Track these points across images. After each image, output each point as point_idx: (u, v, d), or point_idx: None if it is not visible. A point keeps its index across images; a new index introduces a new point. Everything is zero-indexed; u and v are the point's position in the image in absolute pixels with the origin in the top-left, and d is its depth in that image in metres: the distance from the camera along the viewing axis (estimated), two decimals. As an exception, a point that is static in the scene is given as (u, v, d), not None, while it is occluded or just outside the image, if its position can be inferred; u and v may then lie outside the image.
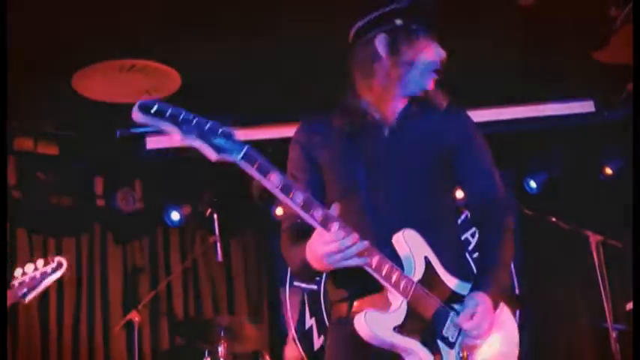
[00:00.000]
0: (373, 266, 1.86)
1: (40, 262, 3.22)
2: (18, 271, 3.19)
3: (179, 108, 1.72)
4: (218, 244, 5.11)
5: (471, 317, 1.93)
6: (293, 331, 5.80)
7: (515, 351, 2.09)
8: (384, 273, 1.88)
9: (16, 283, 3.17)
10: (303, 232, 1.99)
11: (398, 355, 1.94)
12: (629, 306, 5.00)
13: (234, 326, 4.98)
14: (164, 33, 4.15)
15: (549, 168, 5.96)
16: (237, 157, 1.74)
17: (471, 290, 2.00)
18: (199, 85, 4.77)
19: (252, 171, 1.76)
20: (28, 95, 4.65)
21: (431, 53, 2.11)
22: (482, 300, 1.95)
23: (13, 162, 5.25)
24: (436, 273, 2.00)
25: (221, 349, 4.66)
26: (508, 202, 2.23)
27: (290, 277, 5.89)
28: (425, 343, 1.92)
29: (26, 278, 3.18)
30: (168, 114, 1.69)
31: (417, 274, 1.95)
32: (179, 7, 3.90)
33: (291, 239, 2.09)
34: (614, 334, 4.60)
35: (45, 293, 4.61)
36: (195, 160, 5.90)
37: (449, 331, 1.96)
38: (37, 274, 3.19)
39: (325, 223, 1.80)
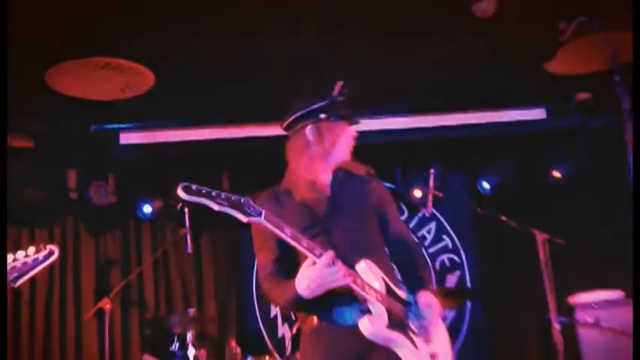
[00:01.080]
0: (358, 284, 2.38)
1: (32, 249, 3.07)
2: (9, 257, 3.06)
3: (210, 188, 2.23)
4: (188, 237, 5.08)
5: (427, 311, 2.54)
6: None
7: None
8: (365, 289, 2.40)
9: (8, 267, 3.07)
10: (283, 274, 2.51)
11: (363, 351, 2.44)
12: (572, 300, 5.15)
13: (201, 319, 5.09)
14: (138, 32, 4.09)
15: (502, 170, 6.01)
16: (260, 219, 2.26)
17: (419, 291, 2.59)
18: (172, 84, 4.73)
19: (271, 227, 2.30)
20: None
21: (347, 134, 2.71)
22: (432, 297, 2.58)
23: None
24: (391, 288, 2.52)
25: (190, 335, 4.69)
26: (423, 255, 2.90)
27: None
28: (405, 335, 2.46)
29: (18, 264, 3.04)
30: (204, 191, 2.20)
31: (382, 289, 2.46)
32: (155, 6, 3.84)
33: (275, 281, 2.55)
34: (557, 326, 4.57)
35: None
36: (167, 156, 5.87)
37: (414, 325, 2.51)
38: (29, 260, 3.05)
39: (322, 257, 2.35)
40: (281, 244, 2.42)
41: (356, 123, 2.74)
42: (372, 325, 2.35)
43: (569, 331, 4.91)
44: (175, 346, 4.79)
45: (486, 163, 6.04)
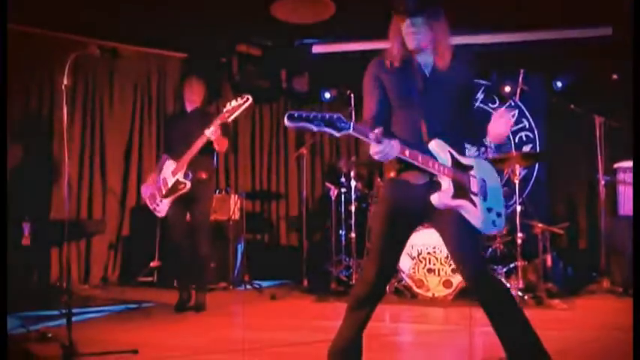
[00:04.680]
0: (419, 160, 1.89)
1: (239, 98, 3.37)
2: (227, 105, 3.40)
3: (308, 112, 1.75)
4: (352, 112, 4.91)
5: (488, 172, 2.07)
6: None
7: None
8: (430, 165, 1.91)
9: (224, 110, 3.38)
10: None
11: (423, 197, 1.95)
12: (615, 165, 4.81)
13: (358, 163, 5.07)
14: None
15: (572, 72, 5.53)
16: (350, 130, 1.75)
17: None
18: (345, 14, 4.71)
19: (357, 134, 1.77)
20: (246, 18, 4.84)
21: (398, 25, 2.02)
22: (487, 164, 2.10)
23: (236, 60, 5.43)
24: (456, 158, 1.99)
25: (352, 173, 4.72)
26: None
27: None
28: (467, 200, 1.97)
29: (230, 108, 3.37)
30: (304, 116, 1.73)
31: (449, 162, 1.97)
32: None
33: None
34: (602, 182, 4.56)
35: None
36: (341, 60, 6.00)
37: (474, 186, 2.01)
38: (236, 105, 3.36)
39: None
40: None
41: (404, 17, 1.98)
42: (440, 199, 1.92)
43: (610, 187, 4.72)
44: (343, 178, 4.91)
45: (562, 67, 5.51)
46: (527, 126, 5.86)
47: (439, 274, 4.09)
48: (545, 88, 5.68)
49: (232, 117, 3.41)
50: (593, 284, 4.41)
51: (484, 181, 2.06)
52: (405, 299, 4.16)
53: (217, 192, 5.19)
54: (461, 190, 1.97)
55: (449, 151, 1.98)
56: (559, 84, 5.64)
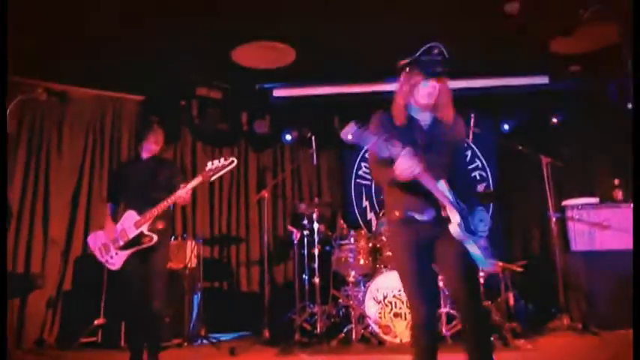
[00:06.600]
0: (431, 186, 2.02)
1: (222, 159, 3.17)
2: (209, 164, 3.17)
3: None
4: (314, 154, 4.91)
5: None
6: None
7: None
8: (441, 197, 2.04)
9: (207, 169, 3.15)
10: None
11: (430, 233, 2.09)
12: (564, 202, 4.89)
13: (321, 205, 4.92)
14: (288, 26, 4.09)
15: (517, 117, 5.67)
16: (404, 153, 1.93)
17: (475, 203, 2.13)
18: (305, 59, 4.66)
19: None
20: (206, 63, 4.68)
21: (418, 86, 2.14)
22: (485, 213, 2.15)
23: (196, 103, 5.20)
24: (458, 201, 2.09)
25: (314, 215, 4.50)
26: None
27: (354, 176, 5.92)
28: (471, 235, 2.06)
29: (213, 167, 3.14)
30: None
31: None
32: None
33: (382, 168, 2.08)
34: (553, 219, 4.58)
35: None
36: (302, 103, 5.88)
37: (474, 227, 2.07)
38: (220, 165, 3.15)
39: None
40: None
41: (427, 79, 2.08)
42: (457, 230, 2.00)
43: (561, 222, 4.76)
44: (305, 221, 4.68)
45: (506, 111, 5.67)
46: (480, 165, 5.93)
47: (406, 318, 3.88)
48: (494, 130, 5.78)
49: (214, 177, 3.17)
50: (554, 321, 4.34)
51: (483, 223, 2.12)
52: (372, 347, 3.91)
53: (173, 238, 4.75)
54: (466, 224, 2.05)
55: (452, 191, 2.08)
56: (506, 127, 5.75)
